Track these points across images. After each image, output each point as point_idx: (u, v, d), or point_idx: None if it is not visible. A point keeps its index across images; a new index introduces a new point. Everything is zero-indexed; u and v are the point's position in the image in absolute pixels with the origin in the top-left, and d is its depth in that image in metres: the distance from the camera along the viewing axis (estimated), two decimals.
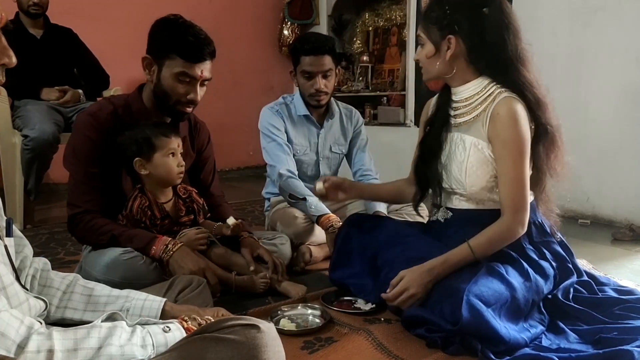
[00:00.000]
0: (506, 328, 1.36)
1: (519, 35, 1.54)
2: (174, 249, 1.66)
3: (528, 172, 1.55)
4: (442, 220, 1.72)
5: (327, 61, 2.26)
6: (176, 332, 1.01)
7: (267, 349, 0.91)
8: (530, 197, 1.65)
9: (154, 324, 1.02)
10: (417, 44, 1.65)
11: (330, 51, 2.27)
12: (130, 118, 1.77)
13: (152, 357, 0.94)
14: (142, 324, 1.01)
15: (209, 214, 1.94)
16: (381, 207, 2.27)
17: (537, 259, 1.59)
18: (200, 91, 1.75)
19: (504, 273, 1.49)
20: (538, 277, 1.54)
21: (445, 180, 1.66)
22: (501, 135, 1.52)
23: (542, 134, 1.56)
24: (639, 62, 2.78)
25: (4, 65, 0.97)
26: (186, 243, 1.73)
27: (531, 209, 1.63)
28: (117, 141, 1.73)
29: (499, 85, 1.57)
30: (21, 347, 0.83)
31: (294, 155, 2.39)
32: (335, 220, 2.09)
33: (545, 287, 1.54)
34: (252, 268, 1.80)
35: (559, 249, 1.66)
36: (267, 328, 0.94)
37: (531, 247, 1.61)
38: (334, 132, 2.48)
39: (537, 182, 1.64)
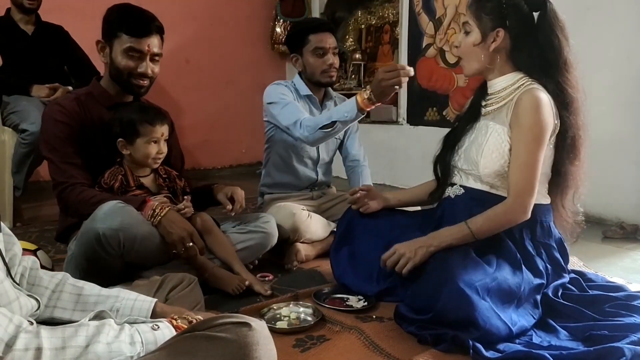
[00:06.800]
0: (487, 311, 1.37)
1: (567, 41, 1.62)
2: (161, 214, 1.70)
3: (541, 160, 1.56)
4: (452, 196, 1.73)
5: (333, 39, 2.37)
6: (165, 331, 1.00)
7: (258, 347, 0.90)
8: (547, 199, 1.66)
9: (143, 322, 1.01)
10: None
11: (333, 31, 2.40)
12: (93, 102, 1.86)
13: (141, 354, 0.93)
14: (131, 323, 1.00)
15: (189, 196, 1.93)
16: None
17: (533, 254, 1.61)
18: (153, 66, 1.84)
19: (494, 261, 1.52)
20: (528, 270, 1.55)
21: (463, 161, 1.69)
22: (520, 120, 1.56)
23: (566, 138, 1.60)
24: (630, 60, 2.79)
25: None
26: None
27: (546, 211, 1.65)
28: (109, 118, 1.83)
29: (531, 79, 1.61)
30: (9, 346, 0.83)
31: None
32: None
33: (536, 280, 1.55)
34: (228, 207, 1.91)
35: (557, 254, 1.66)
36: (259, 326, 0.94)
37: (531, 244, 1.63)
38: None
39: (557, 186, 1.66)
